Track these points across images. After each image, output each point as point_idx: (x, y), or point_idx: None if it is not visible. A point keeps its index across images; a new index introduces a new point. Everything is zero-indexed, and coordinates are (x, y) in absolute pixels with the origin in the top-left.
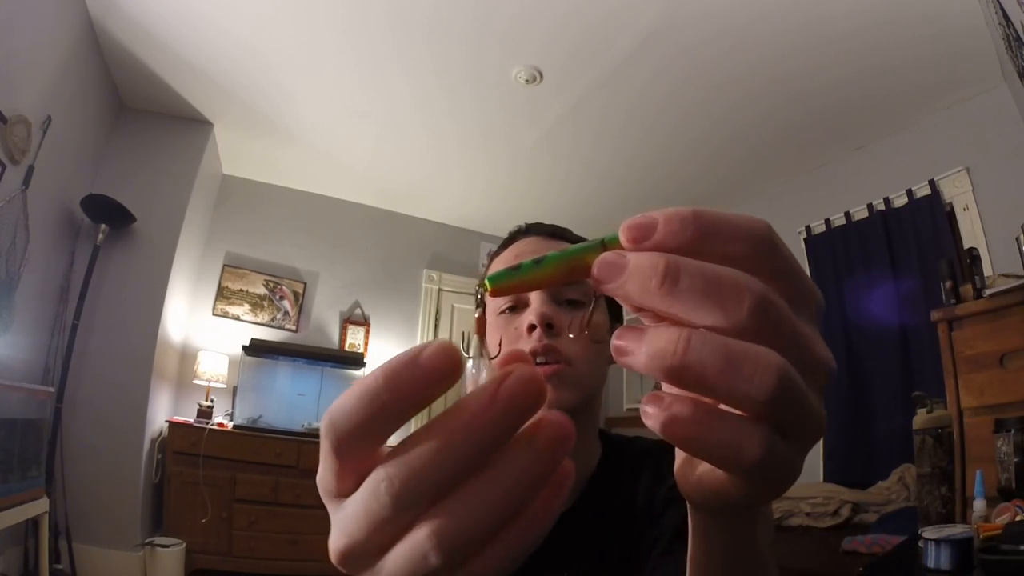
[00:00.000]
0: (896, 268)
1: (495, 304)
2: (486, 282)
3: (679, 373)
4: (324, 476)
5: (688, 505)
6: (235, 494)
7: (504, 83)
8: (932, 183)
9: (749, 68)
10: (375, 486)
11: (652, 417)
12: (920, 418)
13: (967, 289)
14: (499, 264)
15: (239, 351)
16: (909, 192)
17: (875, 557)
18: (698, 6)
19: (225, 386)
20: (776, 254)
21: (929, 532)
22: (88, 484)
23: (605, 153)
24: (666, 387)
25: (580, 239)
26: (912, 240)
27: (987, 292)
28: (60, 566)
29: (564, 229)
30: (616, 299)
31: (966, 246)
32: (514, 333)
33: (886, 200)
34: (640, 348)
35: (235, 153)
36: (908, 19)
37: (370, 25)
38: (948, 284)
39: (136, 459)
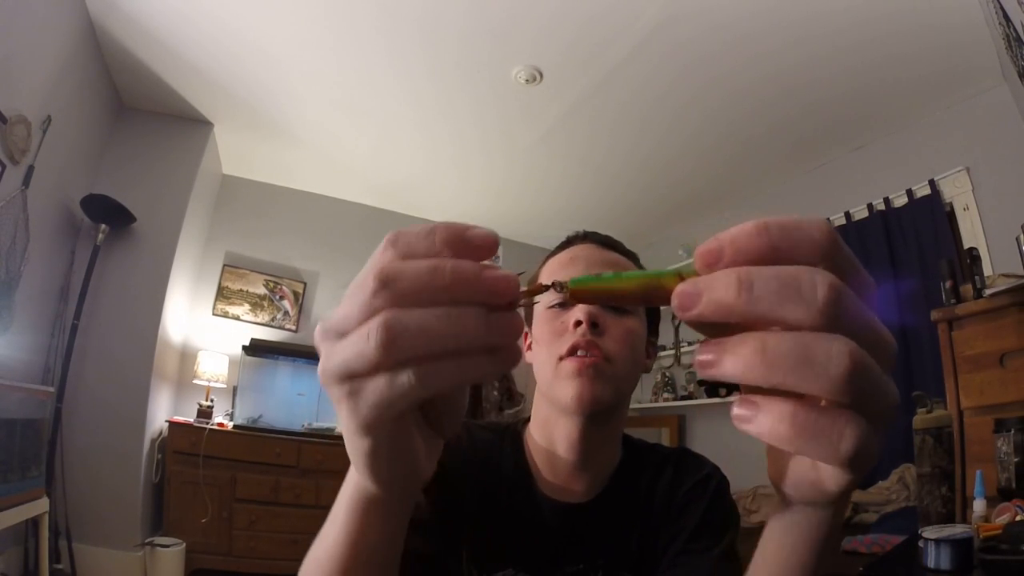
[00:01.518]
0: (896, 268)
1: (546, 299)
2: (568, 282)
3: (764, 373)
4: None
5: (778, 502)
6: (235, 494)
7: (504, 83)
8: (932, 183)
9: (748, 67)
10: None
11: (749, 420)
12: (920, 418)
13: (967, 289)
14: (554, 265)
15: (239, 351)
16: (909, 192)
17: (875, 557)
18: (698, 2)
19: (225, 386)
20: (839, 251)
21: (929, 532)
22: (88, 484)
23: (604, 152)
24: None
25: (630, 252)
26: (912, 240)
27: (987, 292)
28: (60, 566)
29: (617, 241)
30: (700, 325)
31: (966, 246)
32: (560, 326)
33: (886, 200)
34: (724, 357)
35: (235, 153)
36: (908, 18)
37: (370, 25)
38: (948, 284)
39: (136, 459)
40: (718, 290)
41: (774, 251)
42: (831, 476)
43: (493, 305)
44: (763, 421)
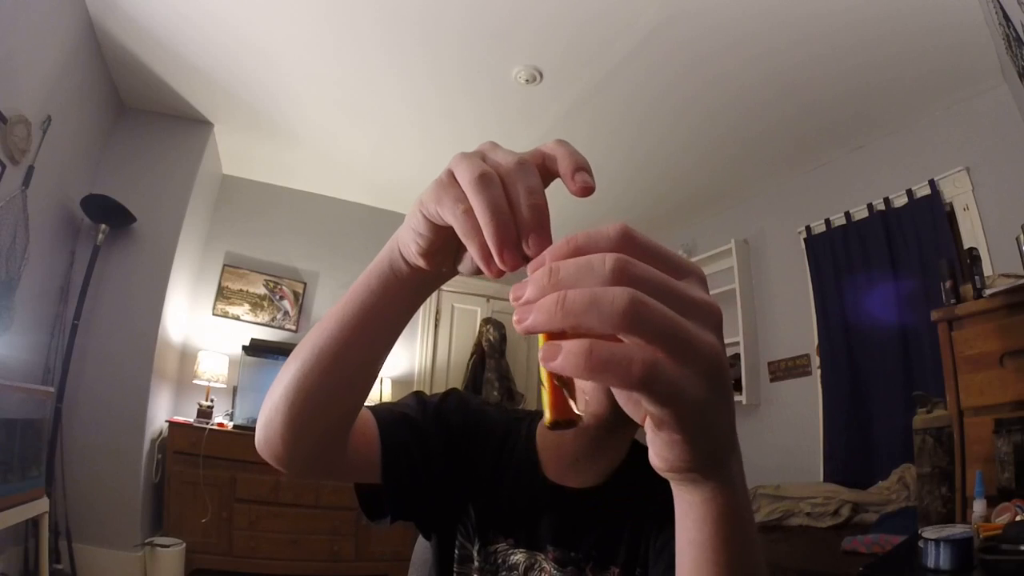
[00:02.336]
0: (896, 268)
1: None
2: None
3: (562, 317)
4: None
5: (675, 490)
6: (235, 494)
7: (504, 83)
8: (932, 183)
9: (748, 67)
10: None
11: (553, 359)
12: (920, 418)
13: (967, 289)
14: None
15: (239, 351)
16: (909, 192)
17: (875, 557)
18: (698, 2)
19: (225, 386)
20: (632, 240)
21: (929, 532)
22: (88, 484)
23: (604, 152)
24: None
25: None
26: (912, 240)
27: (987, 292)
28: (60, 566)
29: None
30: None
31: (966, 246)
32: None
33: (886, 200)
34: (531, 313)
35: (235, 153)
36: (908, 18)
37: (371, 25)
38: (948, 284)
39: (136, 459)
40: (537, 278)
41: (579, 251)
42: (670, 427)
43: None
44: (565, 357)
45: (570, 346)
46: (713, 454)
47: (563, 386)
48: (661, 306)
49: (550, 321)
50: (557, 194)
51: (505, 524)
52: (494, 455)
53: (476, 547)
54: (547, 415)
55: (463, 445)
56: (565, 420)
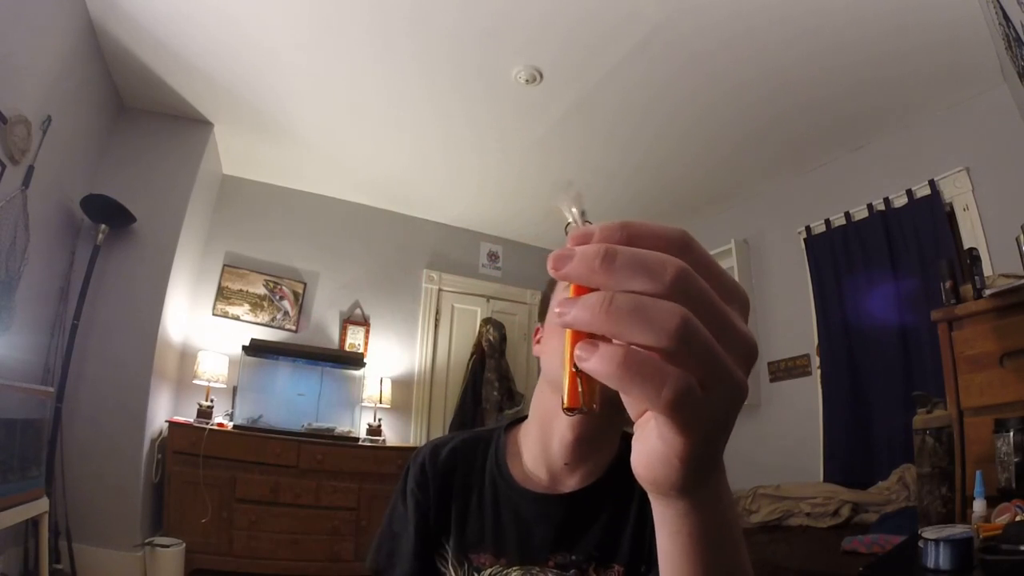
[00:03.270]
0: (896, 268)
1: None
2: None
3: (606, 321)
4: None
5: (652, 498)
6: (235, 494)
7: (504, 84)
8: (932, 183)
9: (747, 66)
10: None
11: (586, 359)
12: (920, 418)
13: (967, 289)
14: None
15: (239, 351)
16: (909, 192)
17: (875, 557)
18: (697, 1)
19: (225, 386)
20: (691, 251)
21: (929, 532)
22: (88, 484)
23: (602, 151)
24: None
25: None
26: (912, 240)
27: (987, 292)
28: (60, 566)
29: None
30: (569, 281)
31: (966, 246)
32: None
33: (886, 200)
34: (574, 308)
35: (235, 153)
36: (908, 17)
37: (371, 25)
38: (948, 284)
39: (136, 459)
40: (587, 256)
41: (632, 243)
42: (672, 447)
43: None
44: (599, 359)
45: (606, 351)
46: (701, 477)
47: (587, 374)
48: (707, 334)
49: (591, 322)
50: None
51: (491, 546)
52: (460, 487)
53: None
54: (565, 398)
55: (428, 505)
56: (579, 408)
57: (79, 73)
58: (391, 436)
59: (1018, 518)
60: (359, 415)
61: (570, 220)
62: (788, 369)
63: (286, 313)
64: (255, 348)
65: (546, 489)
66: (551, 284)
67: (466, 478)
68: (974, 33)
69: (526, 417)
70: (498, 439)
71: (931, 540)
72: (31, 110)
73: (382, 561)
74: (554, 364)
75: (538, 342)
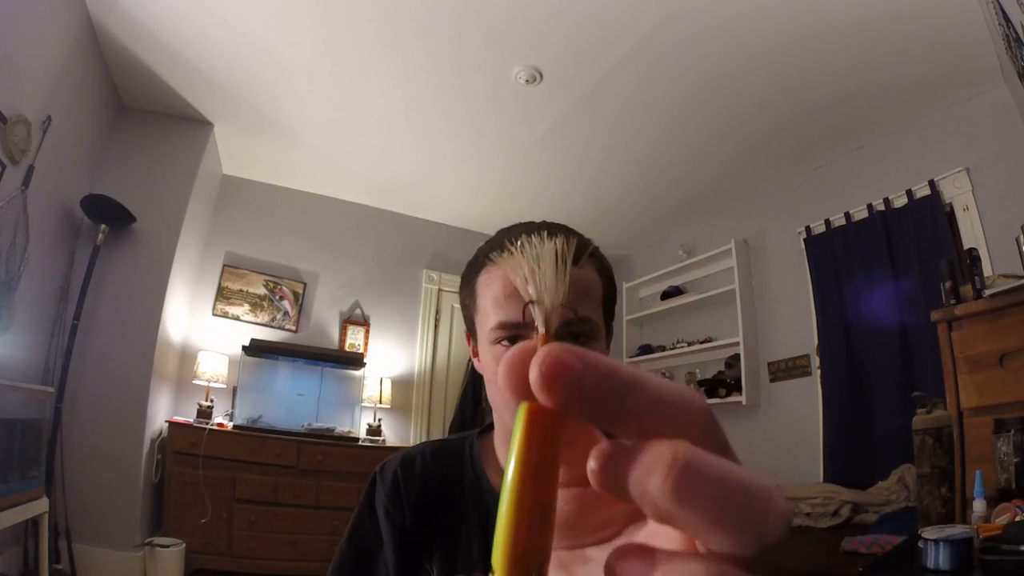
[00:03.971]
0: (896, 268)
1: (492, 334)
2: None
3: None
4: None
5: None
6: (235, 494)
7: (504, 84)
8: (932, 183)
9: (748, 67)
10: None
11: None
12: (920, 418)
13: (967, 289)
14: (502, 286)
15: (239, 351)
16: (909, 192)
17: (875, 557)
18: (698, 1)
19: (225, 386)
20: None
21: (929, 532)
22: (88, 484)
23: (604, 152)
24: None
25: (598, 256)
26: (912, 240)
27: (987, 292)
28: (60, 566)
29: (582, 241)
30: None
31: (966, 246)
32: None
33: (886, 200)
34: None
35: (235, 153)
36: (908, 18)
37: (371, 25)
38: (948, 284)
39: (136, 459)
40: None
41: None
42: None
43: None
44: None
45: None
46: None
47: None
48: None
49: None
50: (557, 194)
51: (480, 564)
52: (440, 501)
53: None
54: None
55: (409, 524)
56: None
57: (79, 73)
58: (391, 436)
59: (1018, 518)
60: (359, 415)
61: (529, 298)
62: (788, 369)
63: (286, 313)
64: (255, 348)
65: None
66: (471, 267)
67: (447, 493)
68: (974, 34)
69: (492, 425)
70: (471, 449)
71: (931, 540)
72: (31, 110)
73: None
74: (498, 403)
75: (475, 355)
